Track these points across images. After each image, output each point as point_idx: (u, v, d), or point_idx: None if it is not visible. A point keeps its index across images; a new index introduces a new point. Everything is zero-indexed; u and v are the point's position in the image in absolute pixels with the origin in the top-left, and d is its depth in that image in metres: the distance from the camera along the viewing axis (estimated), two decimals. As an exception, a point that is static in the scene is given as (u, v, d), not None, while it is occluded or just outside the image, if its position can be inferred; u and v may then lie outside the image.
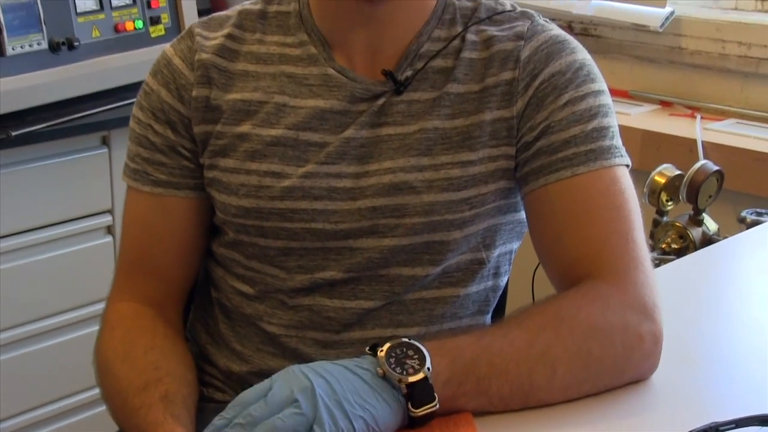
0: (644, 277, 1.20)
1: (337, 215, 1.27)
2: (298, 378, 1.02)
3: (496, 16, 1.33)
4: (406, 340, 1.08)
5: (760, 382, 1.20)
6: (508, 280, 1.41)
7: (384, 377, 1.05)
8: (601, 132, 1.26)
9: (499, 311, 1.42)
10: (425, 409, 1.05)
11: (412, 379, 1.05)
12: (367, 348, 1.09)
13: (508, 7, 1.34)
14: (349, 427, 1.01)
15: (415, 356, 1.07)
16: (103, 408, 2.25)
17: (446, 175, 1.27)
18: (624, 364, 1.16)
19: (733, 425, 1.03)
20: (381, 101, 1.29)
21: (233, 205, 1.30)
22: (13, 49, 2.12)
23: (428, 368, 1.06)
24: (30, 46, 2.15)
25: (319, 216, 1.27)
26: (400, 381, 1.05)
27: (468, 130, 1.28)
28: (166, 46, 1.37)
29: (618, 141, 1.28)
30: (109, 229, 2.28)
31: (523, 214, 1.32)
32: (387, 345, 1.07)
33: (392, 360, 1.06)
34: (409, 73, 1.29)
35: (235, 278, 1.35)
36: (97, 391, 2.23)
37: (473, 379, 1.09)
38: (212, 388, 1.37)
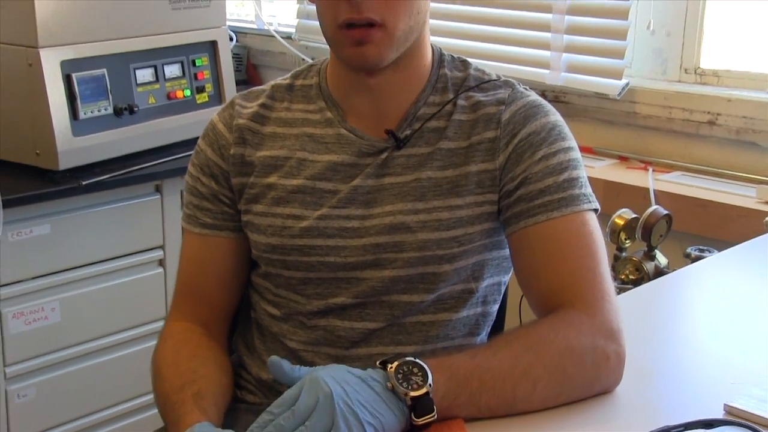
0: (610, 305, 1.20)
1: (346, 250, 1.28)
2: (322, 387, 1.01)
3: (482, 84, 1.34)
4: (411, 359, 1.08)
5: (704, 393, 1.20)
6: (505, 306, 1.42)
7: (392, 390, 1.05)
8: (572, 182, 1.26)
9: (497, 331, 1.41)
10: (425, 419, 1.05)
11: (415, 393, 1.05)
12: (378, 362, 1.08)
13: (494, 77, 1.35)
14: (361, 430, 1.01)
15: (419, 373, 1.07)
16: (151, 412, 2.25)
17: (437, 217, 1.27)
18: (593, 379, 1.16)
19: (682, 428, 1.03)
20: (384, 155, 1.30)
21: (262, 243, 1.32)
22: (84, 113, 2.14)
23: (430, 384, 1.06)
24: (98, 111, 2.17)
25: (332, 251, 1.28)
26: (405, 395, 1.05)
27: (456, 180, 1.28)
28: (214, 115, 1.40)
29: (587, 189, 1.28)
30: (161, 262, 2.27)
31: (508, 251, 1.31)
32: (396, 363, 1.07)
33: (400, 376, 1.06)
34: (408, 132, 1.30)
35: (266, 302, 1.37)
36: (146, 397, 2.24)
37: (466, 393, 1.09)
38: (246, 391, 1.37)
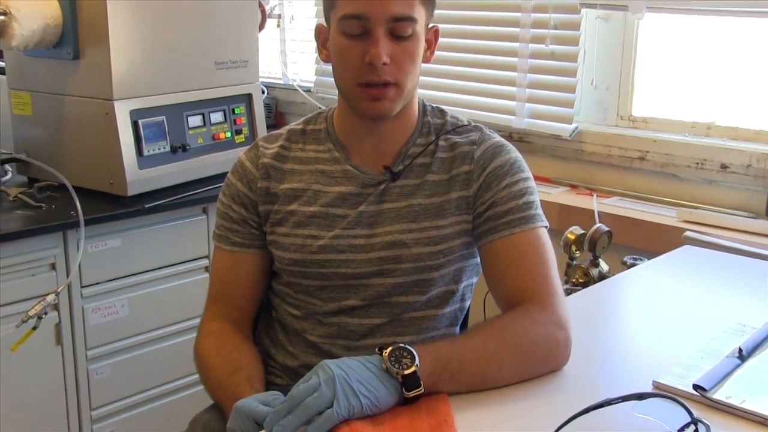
0: (559, 301, 1.22)
1: (355, 263, 1.28)
2: (326, 370, 1.04)
3: (458, 129, 1.35)
4: (402, 345, 1.08)
5: (637, 372, 1.19)
6: (470, 303, 1.41)
7: (386, 370, 1.06)
8: (529, 206, 1.28)
9: (465, 323, 1.42)
10: (414, 393, 1.07)
11: (405, 372, 1.06)
12: (377, 349, 1.09)
13: (466, 122, 1.36)
14: (357, 403, 1.02)
15: (408, 356, 1.07)
16: (197, 389, 2.25)
17: (427, 235, 1.28)
18: (546, 360, 1.17)
19: (620, 400, 1.02)
20: (382, 186, 1.30)
21: (286, 258, 1.31)
22: (148, 151, 2.13)
23: (417, 364, 1.07)
24: (158, 149, 2.16)
25: (344, 264, 1.28)
26: (397, 373, 1.06)
27: (441, 205, 1.29)
28: (241, 155, 1.39)
29: (540, 211, 1.29)
30: (206, 268, 2.27)
31: (479, 259, 1.32)
32: (389, 348, 1.08)
33: (392, 359, 1.07)
34: (401, 167, 1.31)
35: (288, 305, 1.36)
36: (194, 376, 2.23)
37: (448, 372, 1.10)
38: (273, 375, 1.36)
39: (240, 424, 1.05)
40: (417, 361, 1.07)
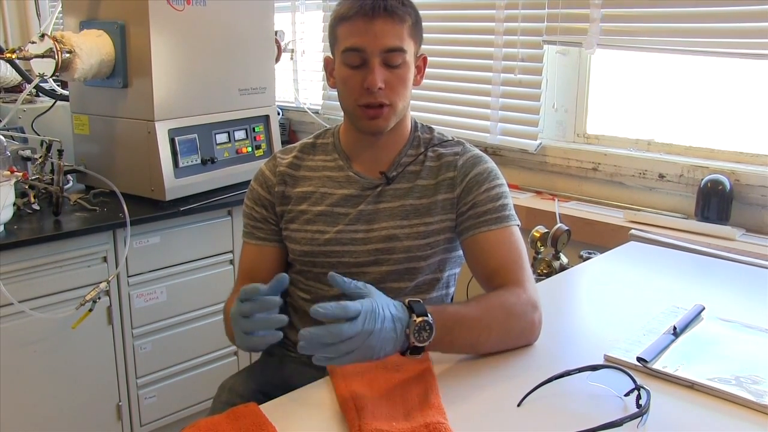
0: (532, 286, 1.21)
1: (356, 254, 1.29)
2: (369, 317, 0.97)
3: (443, 143, 1.35)
4: (429, 320, 1.01)
5: (591, 347, 1.20)
6: (455, 289, 1.40)
7: (406, 335, 1.00)
8: (504, 207, 1.28)
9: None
10: (412, 357, 1.02)
11: (419, 344, 1.00)
12: (410, 302, 1.02)
13: (450, 138, 1.37)
14: (368, 355, 0.97)
15: (429, 330, 1.01)
16: (226, 360, 2.24)
17: (417, 231, 1.28)
18: (524, 333, 1.16)
19: (577, 371, 1.03)
20: (379, 189, 1.31)
21: (298, 250, 1.31)
22: (182, 163, 2.13)
23: (430, 340, 1.01)
24: (191, 162, 2.16)
25: (346, 254, 1.29)
26: (412, 343, 1.01)
27: (429, 205, 1.30)
28: (262, 165, 1.39)
29: (513, 212, 1.29)
30: (231, 261, 2.27)
31: (460, 252, 1.32)
32: (420, 319, 1.00)
33: (417, 328, 1.00)
34: (395, 173, 1.31)
35: (299, 290, 1.35)
36: (220, 351, 2.23)
37: (449, 338, 1.06)
38: (286, 349, 1.36)
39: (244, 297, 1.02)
40: (432, 337, 1.02)
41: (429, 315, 1.02)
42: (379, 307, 0.99)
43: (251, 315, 1.04)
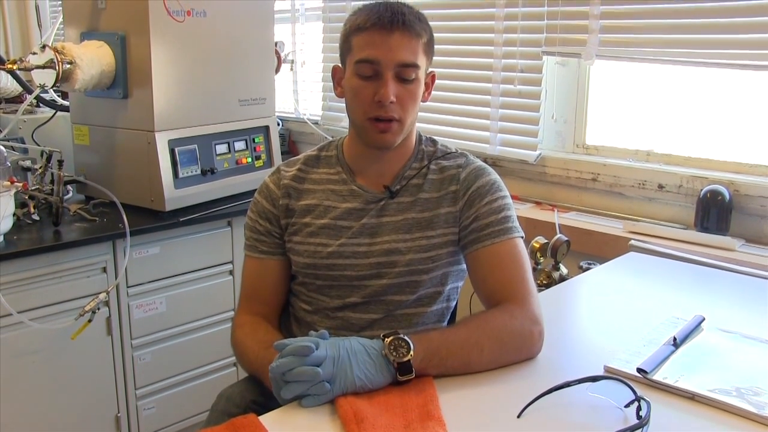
0: (534, 300, 1.20)
1: (358, 267, 1.29)
2: (336, 350, 1.05)
3: (446, 155, 1.35)
4: (401, 336, 1.07)
5: (591, 358, 1.20)
6: (457, 302, 1.41)
7: (385, 357, 1.06)
8: (507, 219, 1.27)
9: (452, 320, 1.41)
10: (406, 378, 1.06)
11: (400, 360, 1.05)
12: (381, 335, 1.08)
13: (453, 150, 1.37)
14: (352, 384, 1.03)
15: (405, 346, 1.06)
16: (224, 371, 2.24)
17: (418, 244, 1.28)
18: (521, 349, 1.16)
19: (577, 382, 1.03)
20: (382, 203, 1.31)
21: (300, 263, 1.32)
22: (182, 174, 2.14)
23: (411, 354, 1.06)
24: (191, 172, 2.17)
25: (348, 267, 1.29)
26: (393, 360, 1.05)
27: (431, 219, 1.29)
28: (266, 178, 1.39)
29: (516, 224, 1.29)
30: (230, 272, 2.26)
31: (464, 265, 1.32)
32: (390, 338, 1.07)
33: (392, 347, 1.06)
34: (398, 187, 1.31)
35: (301, 301, 1.36)
36: (219, 362, 2.23)
37: (437, 358, 1.09)
38: None
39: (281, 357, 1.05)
40: (412, 351, 1.05)
41: (400, 333, 1.06)
42: (339, 340, 1.06)
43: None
